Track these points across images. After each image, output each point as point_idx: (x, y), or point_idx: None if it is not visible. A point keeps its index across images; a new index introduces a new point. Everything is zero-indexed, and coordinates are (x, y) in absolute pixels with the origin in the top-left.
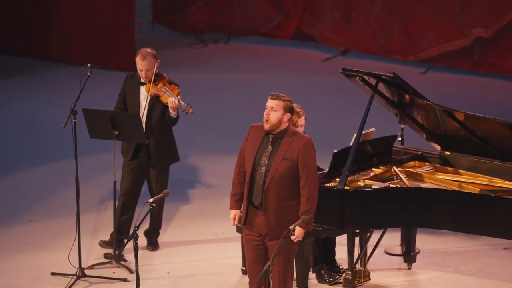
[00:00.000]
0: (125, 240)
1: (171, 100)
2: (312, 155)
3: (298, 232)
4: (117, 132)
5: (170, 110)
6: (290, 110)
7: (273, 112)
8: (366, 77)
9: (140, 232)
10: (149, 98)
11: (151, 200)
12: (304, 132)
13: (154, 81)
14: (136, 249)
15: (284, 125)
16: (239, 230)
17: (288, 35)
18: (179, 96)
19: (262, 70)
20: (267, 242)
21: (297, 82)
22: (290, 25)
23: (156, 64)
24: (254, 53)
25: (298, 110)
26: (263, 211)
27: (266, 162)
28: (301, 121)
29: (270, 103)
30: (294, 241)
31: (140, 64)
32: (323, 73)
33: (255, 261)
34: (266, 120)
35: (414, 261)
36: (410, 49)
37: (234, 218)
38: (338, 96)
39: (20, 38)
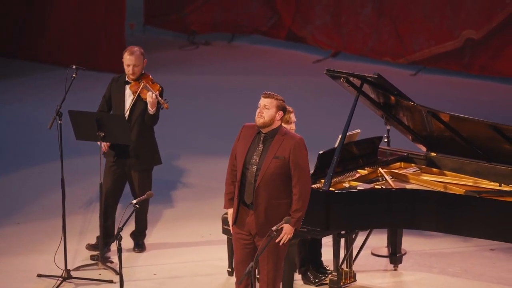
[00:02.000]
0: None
1: (149, 94)
2: (304, 154)
3: (286, 229)
4: (103, 134)
5: (148, 107)
6: (282, 109)
7: (266, 110)
8: (351, 78)
9: (127, 234)
10: (133, 96)
11: (134, 201)
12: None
13: (138, 80)
14: (120, 250)
15: (276, 124)
16: (225, 232)
17: (282, 36)
18: (157, 92)
19: (253, 72)
20: (256, 242)
21: (288, 83)
22: (283, 26)
23: (143, 62)
24: (247, 55)
25: (288, 107)
26: (254, 209)
27: (257, 160)
28: (293, 116)
29: (263, 101)
30: (282, 240)
31: (128, 59)
32: (314, 75)
33: (243, 261)
34: (260, 117)
35: (400, 262)
36: (400, 51)
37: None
38: (328, 98)
39: (12, 41)
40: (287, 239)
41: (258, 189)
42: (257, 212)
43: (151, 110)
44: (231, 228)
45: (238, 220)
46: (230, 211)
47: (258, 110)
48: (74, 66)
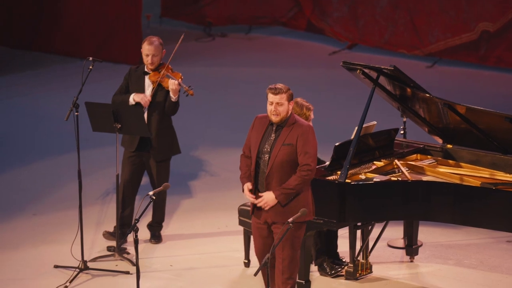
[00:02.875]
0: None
1: (172, 82)
2: (310, 140)
3: (268, 197)
4: (120, 125)
5: (171, 94)
6: (292, 97)
7: (280, 106)
8: (366, 70)
9: (143, 225)
10: (152, 87)
11: (151, 193)
12: None
13: (157, 70)
14: (136, 241)
15: (289, 113)
16: (242, 223)
17: (302, 27)
18: (180, 80)
19: (270, 64)
20: (274, 230)
21: (304, 75)
22: (303, 17)
23: (162, 52)
24: (263, 46)
25: (307, 104)
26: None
27: (269, 149)
28: (312, 114)
29: (274, 98)
30: (263, 207)
31: (147, 49)
32: (330, 66)
33: (263, 250)
34: (276, 115)
35: (416, 254)
36: (416, 43)
37: (249, 190)
38: (344, 90)
39: (28, 32)
40: (264, 206)
41: (268, 177)
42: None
43: (173, 97)
44: (251, 205)
45: (256, 210)
46: (246, 186)
47: (272, 108)
48: (91, 58)
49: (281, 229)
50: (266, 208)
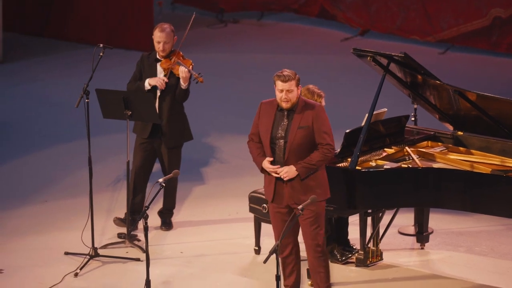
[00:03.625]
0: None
1: (182, 69)
2: (325, 119)
3: (290, 169)
4: (130, 112)
5: (181, 81)
6: (299, 81)
7: (290, 92)
8: (377, 57)
9: (154, 212)
10: (164, 74)
11: (161, 180)
12: None
13: (169, 57)
14: (146, 228)
15: (298, 98)
16: (252, 210)
17: (314, 12)
18: (190, 67)
19: (282, 50)
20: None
21: (315, 62)
22: (315, 3)
23: (173, 39)
24: (276, 33)
25: (318, 91)
26: (288, 181)
27: (283, 134)
28: (323, 101)
29: (284, 86)
30: (284, 177)
31: (158, 36)
32: (342, 53)
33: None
34: (287, 101)
35: (427, 241)
36: (428, 30)
37: (270, 163)
38: (355, 76)
39: (40, 19)
40: (284, 176)
41: (287, 162)
42: (292, 183)
43: (183, 85)
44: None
45: (276, 196)
46: (265, 162)
47: (283, 96)
48: (101, 45)
49: (290, 218)
50: (286, 179)
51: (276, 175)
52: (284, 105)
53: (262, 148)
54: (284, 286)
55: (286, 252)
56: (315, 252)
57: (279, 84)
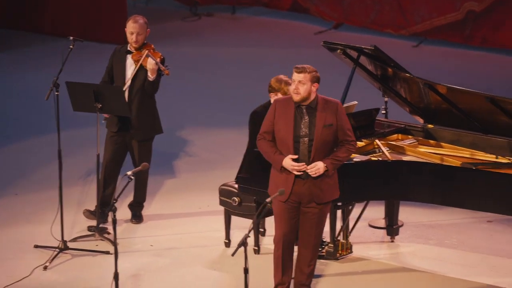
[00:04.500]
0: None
1: (150, 61)
2: (346, 115)
3: (320, 165)
4: (100, 105)
5: (148, 73)
6: (317, 80)
7: (302, 85)
8: (347, 50)
9: (125, 205)
10: (134, 66)
11: (129, 172)
12: None
13: (140, 49)
14: (114, 221)
15: (313, 95)
16: (222, 203)
17: (286, 6)
18: (159, 59)
19: (256, 44)
20: (305, 210)
21: (289, 55)
22: None
23: (146, 32)
24: (250, 26)
25: (286, 79)
26: (311, 179)
27: (307, 132)
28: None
29: (297, 77)
30: (314, 173)
31: (132, 26)
32: (316, 46)
33: (291, 231)
34: (296, 93)
35: (397, 234)
36: (402, 23)
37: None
38: (328, 69)
39: (14, 12)
40: (315, 173)
41: (313, 160)
42: (315, 182)
43: (151, 76)
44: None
45: (292, 194)
46: (288, 160)
47: (294, 86)
48: (71, 38)
49: (258, 210)
50: (316, 175)
51: (299, 173)
52: (295, 97)
53: (275, 147)
54: (280, 285)
55: (288, 265)
56: (314, 251)
57: (294, 75)
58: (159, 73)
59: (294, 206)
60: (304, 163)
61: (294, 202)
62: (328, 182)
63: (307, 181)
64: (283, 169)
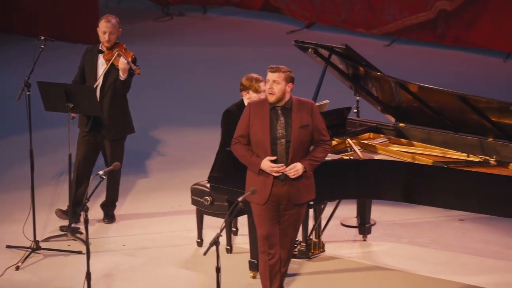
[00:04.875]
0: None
1: (122, 61)
2: (320, 116)
3: (299, 167)
4: (72, 105)
5: (120, 73)
6: (291, 80)
7: (276, 84)
8: (319, 49)
9: (97, 205)
10: (106, 65)
11: (101, 172)
12: None
13: (111, 49)
14: (86, 221)
15: (288, 96)
16: (194, 202)
17: (257, 6)
18: (130, 59)
19: (228, 43)
20: (286, 211)
21: (261, 54)
22: None
23: (118, 31)
24: (222, 26)
25: (256, 76)
26: (289, 180)
27: (284, 133)
28: (263, 85)
29: (271, 76)
30: (292, 175)
31: (104, 26)
32: (288, 46)
33: (272, 234)
34: (271, 94)
35: (369, 232)
36: (373, 22)
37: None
38: (302, 69)
39: None
40: (293, 174)
41: (291, 162)
42: (293, 183)
43: (122, 76)
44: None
45: (271, 196)
46: (265, 162)
47: (268, 86)
48: (42, 37)
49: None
50: (294, 176)
51: (277, 174)
52: (269, 97)
53: (252, 150)
54: None
55: (275, 259)
56: (290, 252)
57: (268, 75)
58: (130, 72)
59: (274, 206)
60: (283, 164)
61: (273, 202)
62: (304, 183)
63: (285, 183)
64: (261, 172)
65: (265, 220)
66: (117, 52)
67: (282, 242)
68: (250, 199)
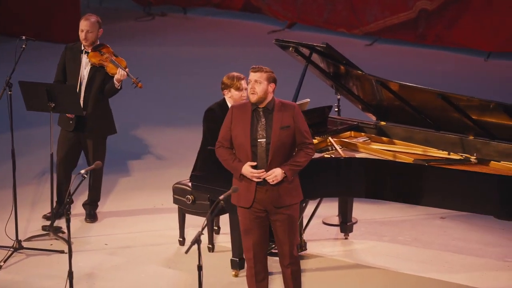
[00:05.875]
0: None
1: (120, 72)
2: (303, 119)
3: (277, 172)
4: (54, 104)
5: (115, 81)
6: (273, 80)
7: (258, 84)
8: (300, 48)
9: (79, 204)
10: (90, 67)
11: (83, 171)
12: None
13: (99, 51)
14: (68, 220)
15: (270, 96)
16: (176, 201)
17: (237, 6)
18: (127, 69)
19: (209, 43)
20: (275, 217)
21: (243, 54)
22: None
23: (99, 31)
24: (203, 26)
25: (237, 74)
26: (269, 185)
27: (264, 135)
28: (244, 83)
29: (253, 76)
30: (272, 181)
31: (83, 24)
32: (269, 45)
33: (261, 241)
34: (253, 93)
35: (351, 231)
36: (355, 22)
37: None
38: (284, 68)
39: None
40: (273, 181)
41: (272, 163)
42: (273, 187)
43: (117, 84)
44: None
45: (255, 201)
46: (247, 167)
47: (249, 86)
48: (24, 37)
49: (211, 209)
50: (274, 183)
51: (258, 180)
52: (251, 98)
53: (234, 154)
54: None
55: (261, 276)
56: (291, 258)
57: (250, 75)
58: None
59: (260, 215)
60: (263, 170)
61: (259, 211)
62: (286, 186)
63: (267, 188)
64: (243, 177)
65: (253, 228)
66: (110, 59)
67: (282, 251)
68: (237, 202)
